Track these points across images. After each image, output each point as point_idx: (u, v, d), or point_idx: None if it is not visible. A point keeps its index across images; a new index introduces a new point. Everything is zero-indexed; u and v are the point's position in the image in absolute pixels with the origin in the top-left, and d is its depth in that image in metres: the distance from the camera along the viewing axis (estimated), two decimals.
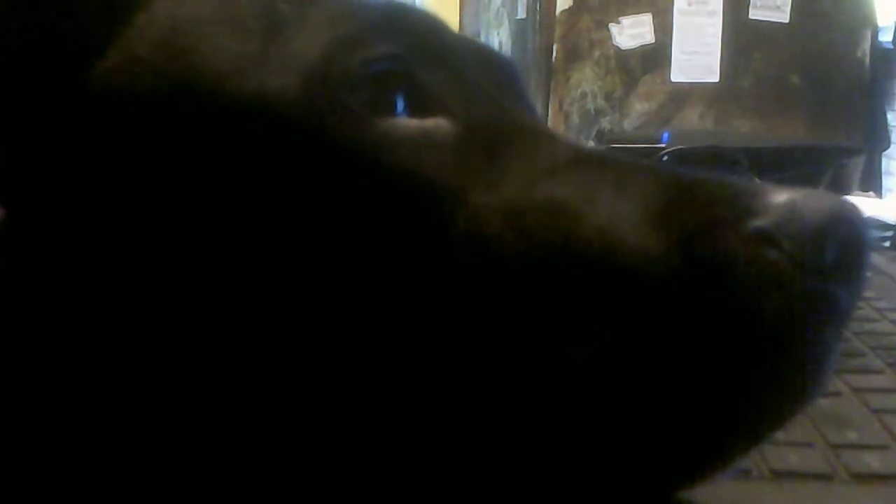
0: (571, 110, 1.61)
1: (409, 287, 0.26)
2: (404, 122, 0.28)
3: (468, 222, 0.27)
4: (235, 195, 0.27)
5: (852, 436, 0.40)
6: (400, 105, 0.28)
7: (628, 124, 1.58)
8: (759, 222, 0.26)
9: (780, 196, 0.26)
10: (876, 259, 0.77)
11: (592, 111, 1.61)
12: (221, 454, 0.28)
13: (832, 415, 0.42)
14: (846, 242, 0.26)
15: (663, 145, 0.98)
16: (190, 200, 0.27)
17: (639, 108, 1.60)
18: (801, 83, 1.58)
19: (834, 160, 1.03)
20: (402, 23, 0.30)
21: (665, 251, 0.26)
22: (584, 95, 1.61)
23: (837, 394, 0.45)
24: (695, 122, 1.56)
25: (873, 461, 0.38)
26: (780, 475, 0.36)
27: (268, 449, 0.27)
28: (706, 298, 0.26)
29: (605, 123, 1.59)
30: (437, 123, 0.28)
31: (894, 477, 0.37)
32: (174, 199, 0.27)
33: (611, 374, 0.26)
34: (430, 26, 0.32)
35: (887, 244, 0.85)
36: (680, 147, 0.93)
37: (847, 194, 0.99)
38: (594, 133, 1.56)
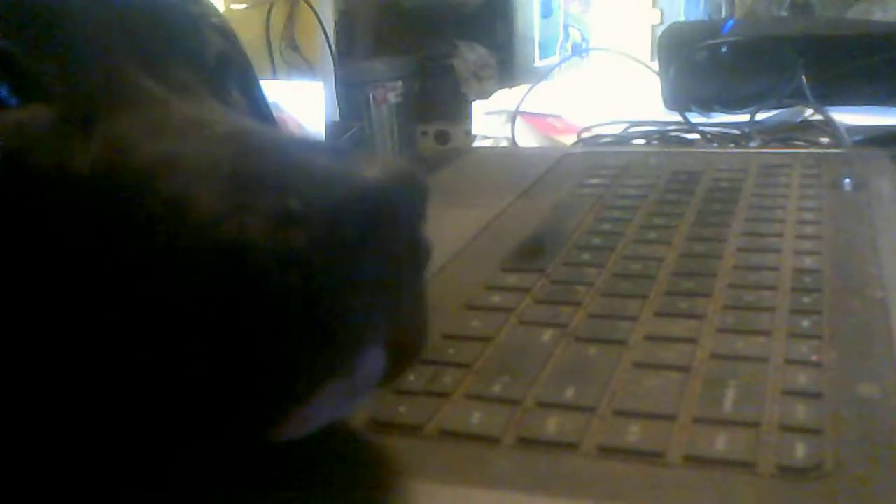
0: None
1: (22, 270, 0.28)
2: (1, 115, 0.29)
3: (67, 197, 0.28)
4: None
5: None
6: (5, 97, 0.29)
7: None
8: (291, 202, 0.26)
9: (319, 173, 0.27)
10: None
11: None
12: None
13: None
14: (372, 215, 0.27)
15: None
16: None
17: None
18: None
19: None
20: (15, 12, 0.30)
21: (199, 234, 0.27)
22: None
23: None
24: None
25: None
26: (448, 434, 0.35)
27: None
28: (227, 284, 0.27)
29: None
30: (34, 110, 0.29)
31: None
32: None
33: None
34: (52, 9, 0.31)
35: None
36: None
37: None
38: None
